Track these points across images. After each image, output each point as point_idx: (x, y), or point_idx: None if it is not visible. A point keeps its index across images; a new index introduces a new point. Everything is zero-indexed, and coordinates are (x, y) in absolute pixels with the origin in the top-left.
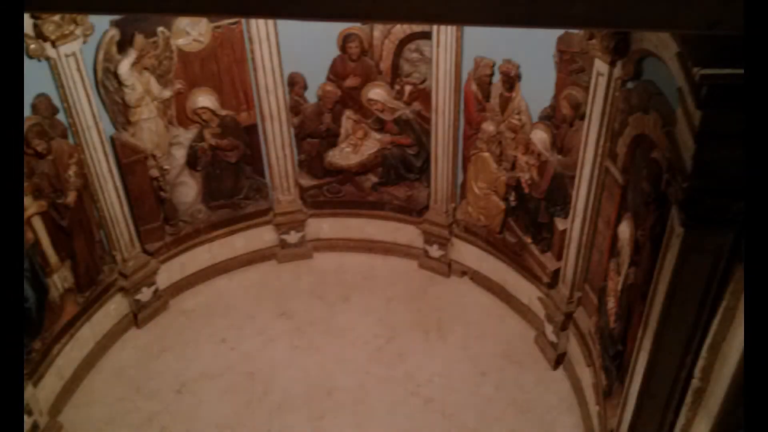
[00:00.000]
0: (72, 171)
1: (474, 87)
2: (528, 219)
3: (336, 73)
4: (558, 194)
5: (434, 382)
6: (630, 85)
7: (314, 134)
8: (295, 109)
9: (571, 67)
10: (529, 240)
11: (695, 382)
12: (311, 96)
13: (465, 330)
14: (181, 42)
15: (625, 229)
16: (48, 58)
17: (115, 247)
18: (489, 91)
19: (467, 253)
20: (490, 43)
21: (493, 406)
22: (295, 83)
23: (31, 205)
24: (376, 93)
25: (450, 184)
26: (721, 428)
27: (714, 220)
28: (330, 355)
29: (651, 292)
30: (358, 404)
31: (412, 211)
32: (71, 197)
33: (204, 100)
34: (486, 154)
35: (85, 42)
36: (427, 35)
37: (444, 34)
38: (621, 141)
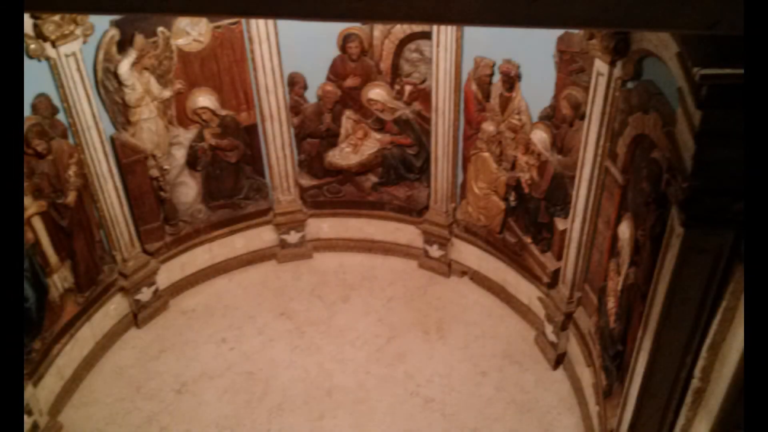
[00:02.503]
0: (72, 171)
1: (474, 87)
2: (528, 219)
3: (336, 73)
4: (558, 194)
5: (434, 382)
6: (630, 85)
7: (314, 134)
8: (295, 109)
9: (571, 67)
10: (529, 240)
11: (695, 382)
12: (311, 96)
13: (465, 330)
14: (181, 42)
15: (625, 229)
16: (48, 58)
17: (115, 247)
18: (489, 91)
19: (467, 253)
20: (490, 43)
21: (493, 406)
22: (295, 83)
23: (31, 205)
24: (376, 93)
25: (450, 184)
26: (721, 428)
27: (714, 220)
28: (330, 355)
29: (651, 292)
30: (358, 404)
31: (412, 211)
32: (71, 197)
33: (204, 100)
34: (486, 154)
35: (85, 42)
36: (427, 35)
37: (444, 34)
38: (621, 141)
